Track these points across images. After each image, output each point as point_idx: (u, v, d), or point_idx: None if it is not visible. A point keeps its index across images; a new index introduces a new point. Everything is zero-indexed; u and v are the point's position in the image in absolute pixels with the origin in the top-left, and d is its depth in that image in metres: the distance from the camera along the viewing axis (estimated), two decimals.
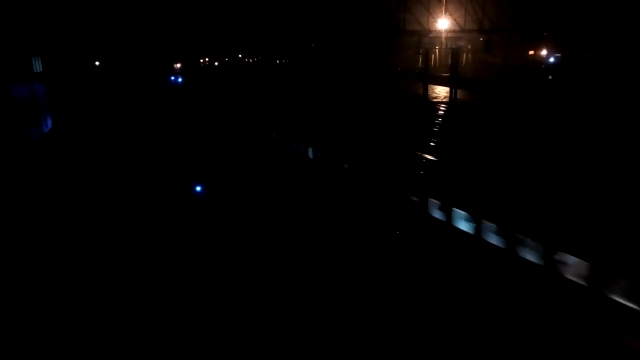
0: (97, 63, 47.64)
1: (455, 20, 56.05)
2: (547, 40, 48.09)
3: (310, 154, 19.45)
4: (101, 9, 47.49)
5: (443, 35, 56.07)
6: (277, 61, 78.18)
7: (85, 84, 39.82)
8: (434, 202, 12.42)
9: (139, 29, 55.53)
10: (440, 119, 26.26)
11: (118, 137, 25.67)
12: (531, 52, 50.28)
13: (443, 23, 55.94)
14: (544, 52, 48.55)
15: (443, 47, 56.03)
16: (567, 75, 38.79)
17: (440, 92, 37.69)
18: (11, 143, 20.00)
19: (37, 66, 26.46)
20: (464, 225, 11.59)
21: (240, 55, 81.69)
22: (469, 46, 55.19)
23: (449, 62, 37.36)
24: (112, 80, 46.03)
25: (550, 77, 40.39)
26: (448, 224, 11.88)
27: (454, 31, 56.22)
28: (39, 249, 11.39)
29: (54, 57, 31.46)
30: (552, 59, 46.18)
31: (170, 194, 15.16)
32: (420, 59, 50.78)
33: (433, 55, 55.25)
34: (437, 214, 12.32)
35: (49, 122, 26.60)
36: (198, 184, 15.63)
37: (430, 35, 57.45)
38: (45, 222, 13.12)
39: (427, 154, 18.23)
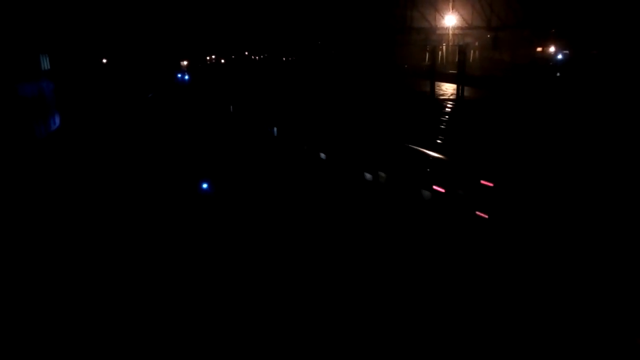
0: (104, 61, 47.84)
1: (462, 17, 55.69)
2: (556, 37, 47.71)
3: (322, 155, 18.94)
4: (108, 7, 47.65)
5: (450, 32, 55.74)
6: (284, 59, 78.13)
7: (93, 81, 40.01)
8: None
9: (145, 26, 55.69)
10: (447, 117, 26.15)
11: (125, 134, 25.76)
12: (539, 49, 49.91)
13: (450, 20, 55.58)
14: (552, 49, 48.18)
15: (450, 44, 55.73)
16: (575, 73, 38.47)
17: (448, 89, 37.53)
18: (20, 140, 20.14)
19: (45, 64, 26.61)
20: None
21: (246, 53, 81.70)
22: (477, 43, 54.86)
23: (456, 59, 37.11)
24: (120, 78, 46.23)
25: (558, 74, 40.07)
26: None
27: (461, 28, 55.88)
28: (43, 246, 11.45)
29: (62, 55, 31.63)
30: (560, 56, 45.83)
31: (176, 191, 15.18)
32: (427, 56, 50.54)
33: (440, 53, 55.03)
34: None
35: (57, 120, 26.75)
36: (205, 182, 15.66)
37: (437, 32, 57.12)
38: (51, 219, 13.19)
39: (436, 152, 18.11)
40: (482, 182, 13.04)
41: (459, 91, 31.89)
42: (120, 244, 11.46)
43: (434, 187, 13.27)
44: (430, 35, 56.98)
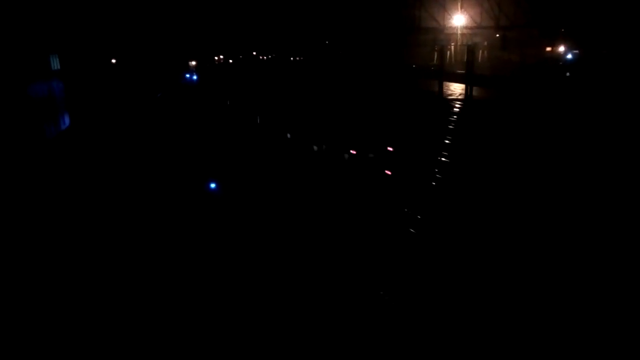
0: (113, 61, 48.16)
1: (471, 16, 55.49)
2: (565, 37, 47.41)
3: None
4: (118, 7, 48.00)
5: (459, 32, 55.58)
6: (291, 58, 78.22)
7: (102, 81, 40.27)
8: None
9: (154, 27, 56.02)
10: (455, 117, 26.06)
11: (134, 134, 25.92)
12: (548, 49, 49.61)
13: (459, 20, 55.42)
14: (561, 49, 47.85)
15: (458, 44, 55.53)
16: (585, 73, 38.13)
17: (456, 89, 37.34)
18: (31, 140, 20.34)
19: (55, 64, 26.86)
20: None
21: (254, 53, 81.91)
22: (485, 43, 54.61)
23: (465, 59, 36.94)
24: (129, 78, 46.49)
25: (568, 74, 39.75)
26: None
27: (469, 28, 55.68)
28: (50, 244, 11.56)
29: (72, 55, 31.87)
30: (570, 56, 45.48)
31: (184, 191, 15.26)
32: (436, 56, 50.33)
33: (449, 52, 54.83)
34: None
35: (67, 119, 26.98)
36: (212, 181, 15.73)
37: (446, 32, 56.95)
38: (60, 217, 13.31)
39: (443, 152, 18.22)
40: (388, 148, 18.98)
41: (467, 91, 31.75)
42: (127, 243, 11.55)
43: (351, 151, 18.71)
44: (438, 35, 56.80)
